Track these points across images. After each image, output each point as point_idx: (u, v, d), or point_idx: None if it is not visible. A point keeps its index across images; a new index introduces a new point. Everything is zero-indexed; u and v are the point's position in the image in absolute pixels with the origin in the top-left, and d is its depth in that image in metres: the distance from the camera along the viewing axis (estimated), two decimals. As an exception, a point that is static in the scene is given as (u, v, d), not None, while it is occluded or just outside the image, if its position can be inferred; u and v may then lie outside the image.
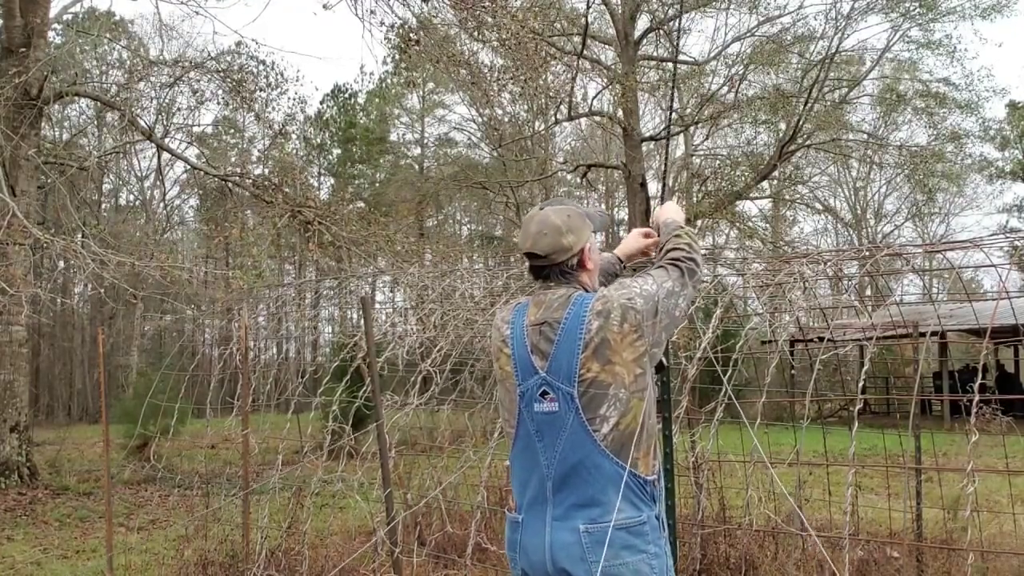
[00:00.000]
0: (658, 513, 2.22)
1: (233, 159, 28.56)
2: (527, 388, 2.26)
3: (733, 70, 20.67)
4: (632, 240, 2.82)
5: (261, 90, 14.01)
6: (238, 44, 17.25)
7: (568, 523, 2.15)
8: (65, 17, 15.35)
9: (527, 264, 2.39)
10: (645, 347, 2.20)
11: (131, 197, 33.43)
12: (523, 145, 25.39)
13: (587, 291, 2.32)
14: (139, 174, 31.97)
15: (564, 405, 2.18)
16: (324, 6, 11.42)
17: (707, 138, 26.60)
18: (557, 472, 2.19)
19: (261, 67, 14.24)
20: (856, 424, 4.09)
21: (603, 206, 33.44)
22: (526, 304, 2.37)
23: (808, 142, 20.26)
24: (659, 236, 2.68)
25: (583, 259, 2.35)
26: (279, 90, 14.14)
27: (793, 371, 10.09)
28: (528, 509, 2.26)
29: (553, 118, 21.31)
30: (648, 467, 2.20)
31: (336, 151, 35.63)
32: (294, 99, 38.14)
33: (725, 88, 20.84)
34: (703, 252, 2.45)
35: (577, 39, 17.75)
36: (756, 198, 25.32)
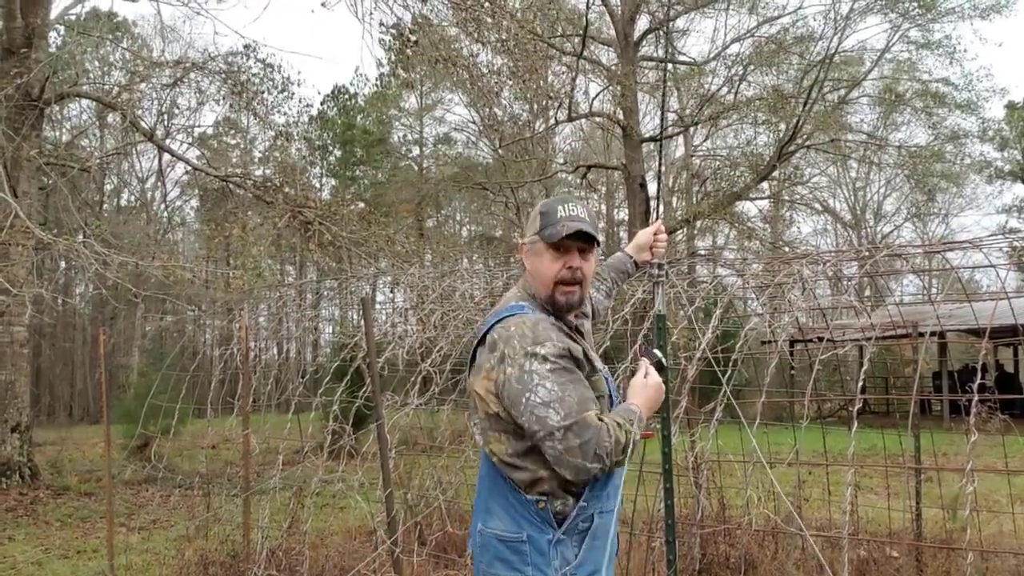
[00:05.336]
0: (557, 539, 2.03)
1: (234, 160, 28.57)
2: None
3: (733, 70, 20.70)
4: (640, 235, 2.82)
5: (268, 92, 13.99)
6: (246, 47, 17.23)
7: (475, 524, 2.20)
8: (67, 18, 15.34)
9: None
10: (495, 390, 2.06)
11: (132, 198, 33.46)
12: (523, 145, 25.37)
13: (527, 296, 2.21)
14: (140, 175, 32.00)
15: (472, 409, 2.22)
16: (323, 4, 11.43)
17: (707, 139, 26.63)
18: (479, 472, 2.25)
19: (267, 70, 14.22)
20: (856, 424, 4.11)
21: (604, 207, 33.42)
22: None
23: (807, 143, 20.26)
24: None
25: (521, 255, 2.28)
26: (286, 93, 14.12)
27: (793, 371, 10.12)
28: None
29: (553, 119, 21.33)
30: (531, 490, 2.05)
31: (337, 152, 35.62)
32: (299, 103, 38.34)
33: (725, 89, 20.87)
34: (632, 441, 2.00)
35: (577, 40, 17.77)
36: (756, 199, 25.35)
